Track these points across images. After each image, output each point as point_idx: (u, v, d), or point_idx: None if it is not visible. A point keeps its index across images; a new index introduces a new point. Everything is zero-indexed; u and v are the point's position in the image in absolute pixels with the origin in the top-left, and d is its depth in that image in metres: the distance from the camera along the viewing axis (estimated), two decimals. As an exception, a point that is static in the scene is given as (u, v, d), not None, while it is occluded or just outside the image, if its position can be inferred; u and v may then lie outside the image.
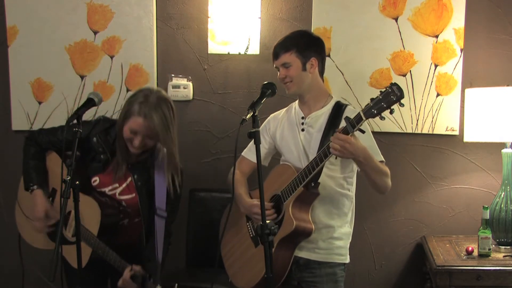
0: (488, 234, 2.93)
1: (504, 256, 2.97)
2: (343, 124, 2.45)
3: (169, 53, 3.48)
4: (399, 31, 3.31)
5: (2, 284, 3.65)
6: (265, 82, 2.31)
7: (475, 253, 2.96)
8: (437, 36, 3.29)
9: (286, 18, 3.41)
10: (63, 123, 2.47)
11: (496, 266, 2.83)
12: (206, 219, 3.37)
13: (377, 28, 3.31)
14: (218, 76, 3.48)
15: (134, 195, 2.56)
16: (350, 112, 2.52)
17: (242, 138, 2.08)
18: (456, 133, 3.31)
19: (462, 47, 3.28)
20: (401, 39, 3.31)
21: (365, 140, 2.32)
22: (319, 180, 2.45)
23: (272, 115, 2.77)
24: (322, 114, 2.55)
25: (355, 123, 2.20)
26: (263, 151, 2.68)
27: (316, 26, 3.36)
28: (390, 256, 3.46)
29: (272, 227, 2.03)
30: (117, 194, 2.56)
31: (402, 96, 2.12)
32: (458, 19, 3.27)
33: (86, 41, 3.46)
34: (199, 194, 3.42)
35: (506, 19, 3.29)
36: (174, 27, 3.47)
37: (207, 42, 3.42)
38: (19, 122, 3.53)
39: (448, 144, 3.37)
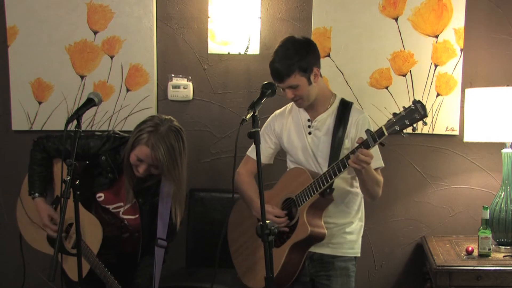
0: (488, 234, 2.93)
1: (504, 256, 2.97)
2: (351, 124, 2.48)
3: (169, 53, 3.48)
4: (399, 31, 3.31)
5: (2, 284, 3.65)
6: (265, 82, 2.30)
7: (475, 253, 2.96)
8: (437, 36, 3.29)
9: (286, 18, 3.41)
10: (63, 123, 2.47)
11: (496, 266, 2.83)
12: (206, 219, 3.37)
13: (377, 28, 3.31)
14: (218, 76, 3.48)
15: (137, 216, 2.56)
16: (357, 112, 2.52)
17: (242, 138, 2.08)
18: (456, 133, 3.31)
19: (462, 47, 3.28)
20: (401, 39, 3.31)
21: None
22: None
23: (275, 114, 2.74)
24: (328, 116, 2.54)
25: (376, 138, 2.20)
26: (268, 151, 2.69)
27: (316, 26, 3.36)
28: (390, 256, 3.46)
29: (272, 227, 2.03)
30: (120, 213, 2.56)
31: (426, 115, 2.13)
32: (458, 19, 3.26)
33: (86, 41, 3.46)
34: (199, 194, 3.42)
35: (506, 19, 3.29)
36: (174, 27, 3.47)
37: (207, 42, 3.42)
38: (19, 122, 3.53)
39: (448, 144, 3.37)
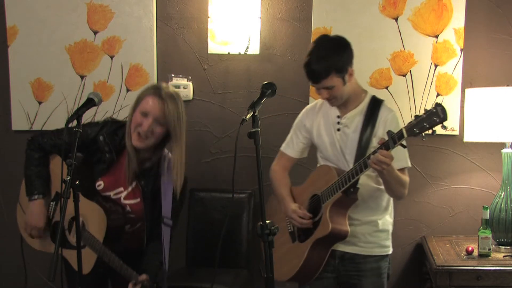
0: (488, 234, 2.93)
1: (504, 256, 2.97)
2: (379, 123, 2.48)
3: (169, 53, 3.48)
4: (399, 31, 3.31)
5: (2, 284, 3.65)
6: (265, 82, 2.30)
7: (475, 253, 2.96)
8: (437, 36, 3.29)
9: (286, 18, 3.41)
10: (63, 123, 2.47)
11: (496, 266, 2.83)
12: (206, 219, 3.38)
13: (377, 28, 3.31)
14: (218, 76, 3.48)
15: (139, 200, 2.54)
16: (386, 110, 2.52)
17: (242, 138, 2.08)
18: (456, 133, 3.31)
19: (462, 47, 3.28)
20: (401, 39, 3.31)
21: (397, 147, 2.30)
22: (359, 182, 2.45)
23: (306, 109, 2.73)
24: (357, 113, 2.53)
25: (396, 139, 2.19)
26: (299, 145, 2.71)
27: (316, 26, 3.36)
28: (390, 256, 3.45)
29: (272, 227, 2.03)
30: (122, 198, 2.53)
31: (445, 119, 2.11)
32: (458, 19, 3.27)
33: (86, 41, 3.46)
34: (199, 194, 3.42)
35: (506, 19, 3.29)
36: (174, 27, 3.47)
37: (207, 42, 3.42)
38: (19, 122, 3.53)
39: (448, 144, 3.37)
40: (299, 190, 2.68)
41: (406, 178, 2.46)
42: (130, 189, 2.54)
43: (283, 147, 2.77)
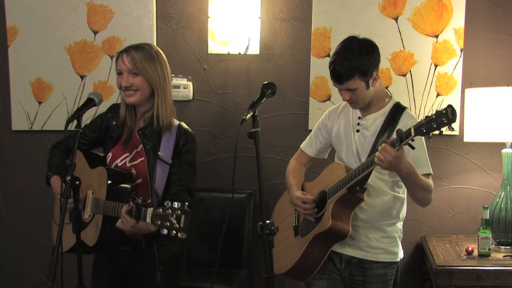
0: (488, 234, 2.93)
1: (504, 256, 2.97)
2: (399, 127, 2.44)
3: (169, 53, 3.47)
4: (399, 31, 3.31)
5: (2, 284, 3.65)
6: (265, 82, 2.31)
7: (475, 253, 2.97)
8: (437, 36, 3.29)
9: (286, 18, 3.41)
10: (63, 123, 2.47)
11: (496, 266, 2.83)
12: (206, 219, 3.38)
13: (377, 28, 3.31)
14: (218, 76, 3.48)
15: (143, 158, 2.53)
16: (407, 117, 2.50)
17: (242, 138, 2.08)
18: (456, 133, 3.31)
19: (462, 47, 3.28)
20: (401, 39, 3.31)
21: (416, 151, 2.28)
22: (371, 183, 2.44)
23: (329, 110, 2.72)
24: (378, 117, 2.52)
25: (404, 138, 2.17)
26: (318, 145, 2.71)
27: (316, 26, 3.36)
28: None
29: (272, 227, 2.03)
30: (127, 162, 2.54)
31: (453, 120, 2.09)
32: (458, 19, 3.27)
33: (86, 41, 3.46)
34: (199, 194, 3.42)
35: (506, 19, 3.29)
36: (174, 27, 3.47)
37: (207, 42, 3.43)
38: (19, 122, 3.53)
39: (448, 144, 3.37)
40: (310, 186, 2.69)
41: (430, 182, 2.41)
42: (135, 151, 2.54)
43: (303, 145, 2.78)
